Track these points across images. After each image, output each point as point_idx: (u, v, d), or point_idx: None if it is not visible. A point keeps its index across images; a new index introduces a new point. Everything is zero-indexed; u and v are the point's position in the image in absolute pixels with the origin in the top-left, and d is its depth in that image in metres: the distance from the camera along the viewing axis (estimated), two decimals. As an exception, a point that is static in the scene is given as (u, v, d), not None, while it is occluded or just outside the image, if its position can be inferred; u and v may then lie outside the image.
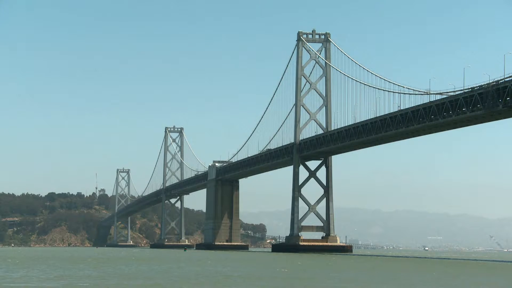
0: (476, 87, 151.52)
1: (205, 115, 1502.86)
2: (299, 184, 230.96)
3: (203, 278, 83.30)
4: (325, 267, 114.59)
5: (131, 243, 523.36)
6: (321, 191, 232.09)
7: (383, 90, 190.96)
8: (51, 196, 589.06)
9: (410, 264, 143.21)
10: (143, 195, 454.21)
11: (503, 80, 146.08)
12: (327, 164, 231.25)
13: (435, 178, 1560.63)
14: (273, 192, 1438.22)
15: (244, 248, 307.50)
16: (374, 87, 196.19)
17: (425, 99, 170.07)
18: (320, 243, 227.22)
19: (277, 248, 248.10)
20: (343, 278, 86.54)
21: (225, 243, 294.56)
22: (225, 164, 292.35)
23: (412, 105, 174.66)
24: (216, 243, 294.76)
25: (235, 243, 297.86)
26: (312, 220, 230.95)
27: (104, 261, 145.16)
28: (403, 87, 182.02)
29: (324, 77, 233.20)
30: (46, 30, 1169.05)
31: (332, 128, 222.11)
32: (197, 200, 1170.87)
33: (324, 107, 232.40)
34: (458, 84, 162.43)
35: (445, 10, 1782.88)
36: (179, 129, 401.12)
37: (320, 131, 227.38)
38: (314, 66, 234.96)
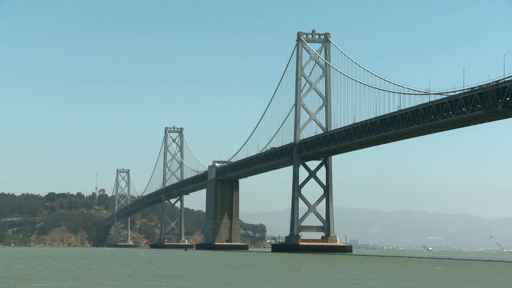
0: (476, 87, 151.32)
1: (205, 115, 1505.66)
2: (299, 184, 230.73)
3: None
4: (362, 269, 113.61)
5: (131, 243, 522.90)
6: (321, 191, 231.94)
7: (383, 90, 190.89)
8: (51, 196, 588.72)
9: (431, 264, 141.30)
10: (143, 195, 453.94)
11: (503, 80, 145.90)
12: (327, 164, 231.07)
13: (435, 178, 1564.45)
14: (273, 192, 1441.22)
15: (244, 248, 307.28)
16: (374, 87, 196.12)
17: (425, 99, 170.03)
18: (320, 243, 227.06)
19: (277, 248, 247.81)
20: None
21: (225, 243, 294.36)
22: (225, 164, 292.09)
23: (412, 105, 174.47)
24: (216, 243, 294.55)
25: (235, 243, 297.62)
26: (312, 220, 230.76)
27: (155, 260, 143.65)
28: (403, 87, 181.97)
29: (324, 77, 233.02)
30: (47, 31, 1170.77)
31: (332, 128, 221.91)
32: (197, 200, 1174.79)
33: (324, 107, 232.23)
34: (458, 84, 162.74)
35: (445, 10, 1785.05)
36: (179, 129, 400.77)
37: (320, 131, 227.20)
38: (314, 66, 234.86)
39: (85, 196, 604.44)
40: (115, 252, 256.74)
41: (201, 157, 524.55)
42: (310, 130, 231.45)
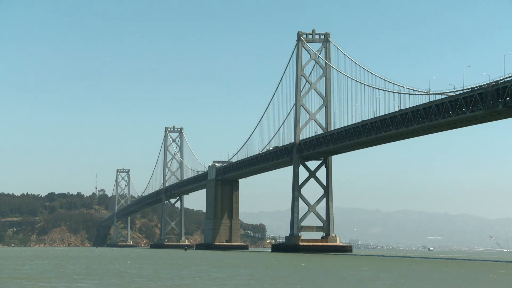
0: (476, 87, 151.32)
1: (205, 115, 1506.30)
2: (299, 184, 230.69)
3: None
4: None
5: (131, 243, 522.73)
6: (321, 191, 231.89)
7: (383, 90, 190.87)
8: (51, 196, 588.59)
9: (435, 264, 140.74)
10: (143, 195, 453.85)
11: (503, 80, 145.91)
12: (327, 164, 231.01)
13: (435, 178, 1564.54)
14: (273, 192, 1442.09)
15: (244, 248, 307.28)
16: (374, 87, 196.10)
17: (425, 99, 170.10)
18: (320, 243, 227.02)
19: (277, 248, 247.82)
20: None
21: (224, 243, 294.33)
22: (225, 164, 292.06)
23: (412, 105, 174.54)
24: (216, 243, 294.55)
25: (235, 243, 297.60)
26: (312, 220, 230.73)
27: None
28: (403, 87, 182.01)
29: (324, 77, 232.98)
30: (46, 31, 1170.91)
31: (332, 128, 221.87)
32: (197, 200, 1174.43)
33: (324, 107, 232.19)
34: (458, 84, 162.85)
35: (445, 10, 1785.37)
36: (179, 129, 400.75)
37: (320, 131, 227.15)
38: (314, 66, 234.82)
39: (85, 196, 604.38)
40: (117, 253, 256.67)
41: (201, 157, 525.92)
42: (310, 130, 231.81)
